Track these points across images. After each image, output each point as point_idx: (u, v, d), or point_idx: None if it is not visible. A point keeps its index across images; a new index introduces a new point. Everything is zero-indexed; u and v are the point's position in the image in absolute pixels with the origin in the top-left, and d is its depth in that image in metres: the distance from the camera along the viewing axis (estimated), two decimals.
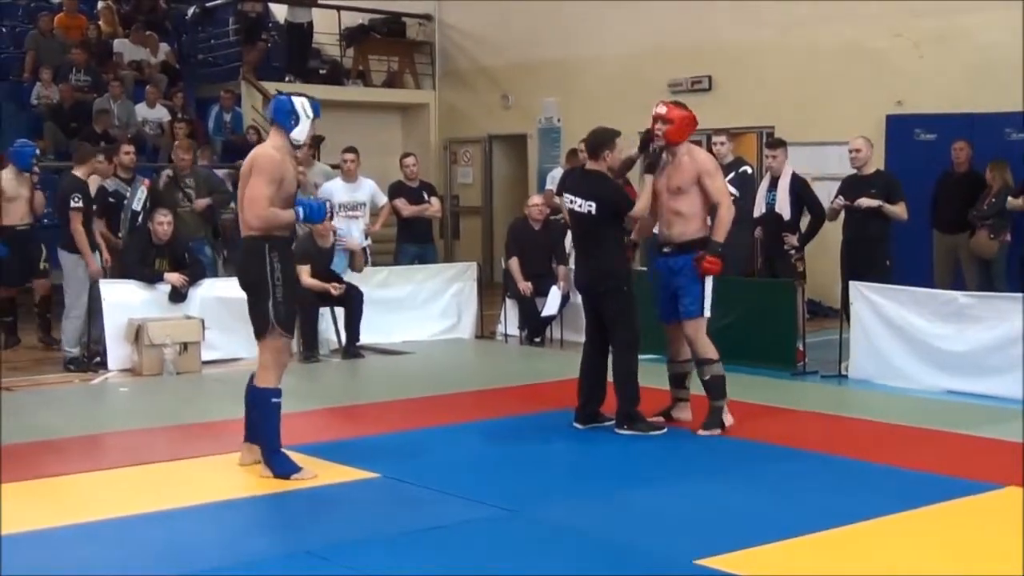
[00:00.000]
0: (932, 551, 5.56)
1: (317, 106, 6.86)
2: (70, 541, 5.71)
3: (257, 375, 6.75)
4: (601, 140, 7.94)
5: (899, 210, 10.27)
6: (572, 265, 9.71)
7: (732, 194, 10.99)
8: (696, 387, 8.11)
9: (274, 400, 6.69)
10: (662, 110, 7.85)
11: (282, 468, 6.63)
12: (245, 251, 6.79)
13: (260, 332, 6.70)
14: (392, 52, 19.89)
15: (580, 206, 7.86)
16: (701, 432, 7.76)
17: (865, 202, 10.20)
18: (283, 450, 6.71)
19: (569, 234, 11.04)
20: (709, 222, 7.91)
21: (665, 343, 8.25)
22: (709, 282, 7.80)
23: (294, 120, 6.71)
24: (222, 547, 5.66)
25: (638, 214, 7.96)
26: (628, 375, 7.85)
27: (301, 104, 6.77)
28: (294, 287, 6.79)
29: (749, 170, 11.19)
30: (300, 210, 6.74)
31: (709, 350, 7.87)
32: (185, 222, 11.53)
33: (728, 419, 7.86)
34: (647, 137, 7.94)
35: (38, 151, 11.69)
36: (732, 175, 11.16)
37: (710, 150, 15.31)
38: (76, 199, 10.62)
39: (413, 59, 19.77)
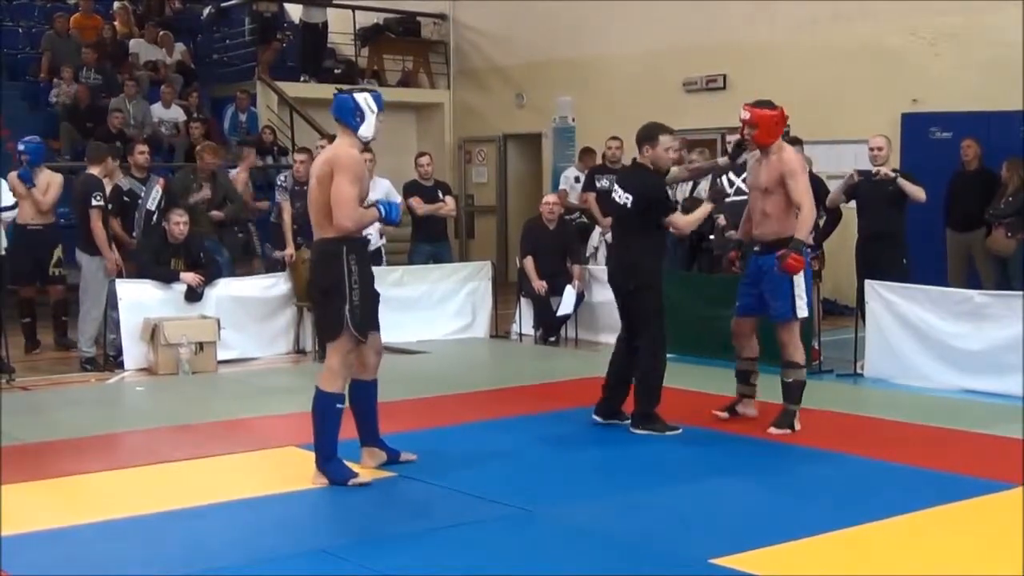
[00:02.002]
0: (948, 550, 5.55)
1: (380, 98, 6.67)
2: (89, 539, 5.73)
3: (323, 379, 6.54)
4: (644, 134, 7.84)
5: (917, 189, 10.21)
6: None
7: (745, 193, 11.04)
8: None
9: (338, 406, 6.52)
10: (745, 115, 7.83)
11: (339, 474, 6.52)
12: (321, 253, 6.56)
13: (332, 335, 6.52)
14: (407, 52, 19.91)
15: (620, 197, 7.87)
16: (772, 430, 7.74)
17: (884, 171, 10.18)
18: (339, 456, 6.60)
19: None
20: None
21: (732, 340, 8.25)
22: (800, 282, 7.73)
23: (359, 117, 6.55)
24: (238, 545, 5.67)
25: (681, 229, 8.09)
26: (649, 376, 7.82)
27: (364, 99, 6.60)
28: (370, 290, 6.58)
29: None
30: (382, 208, 6.60)
31: (798, 355, 7.86)
32: (195, 218, 11.47)
33: (797, 424, 7.83)
34: (738, 145, 8.10)
35: (23, 147, 11.56)
36: (746, 174, 11.15)
37: (724, 148, 15.36)
38: (97, 197, 10.62)
39: (428, 58, 19.79)
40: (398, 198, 12.56)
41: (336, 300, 6.44)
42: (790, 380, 7.87)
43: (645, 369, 7.82)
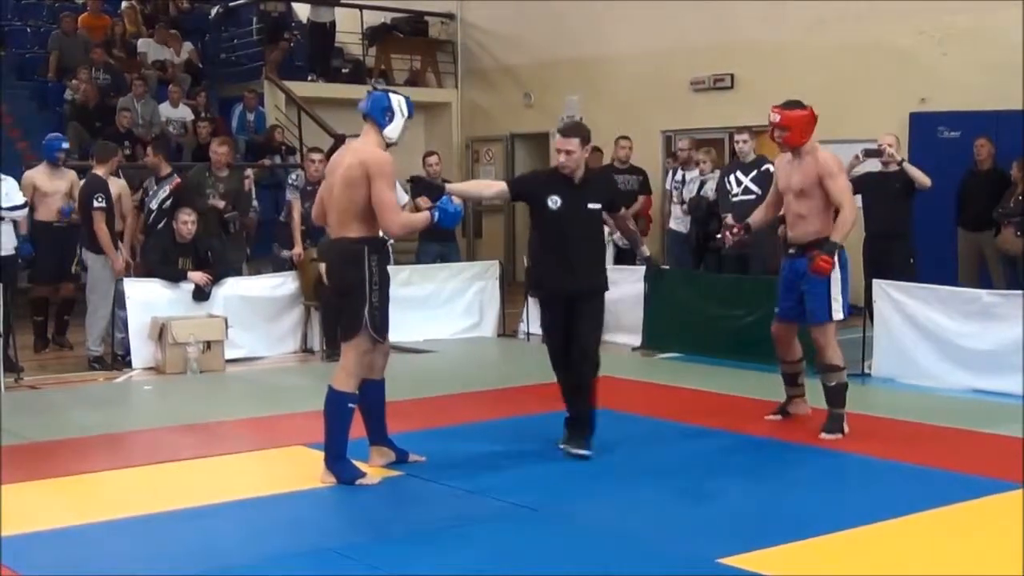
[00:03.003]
0: (956, 550, 5.54)
1: (412, 105, 6.69)
2: (97, 538, 5.74)
3: (336, 377, 6.54)
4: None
5: (922, 175, 10.13)
6: None
7: (754, 192, 11.04)
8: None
9: (350, 405, 6.51)
10: (776, 117, 7.74)
11: (348, 474, 6.51)
12: (342, 252, 6.52)
13: (350, 334, 6.50)
14: (414, 51, 19.90)
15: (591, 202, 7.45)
16: (824, 436, 7.60)
17: (889, 149, 10.13)
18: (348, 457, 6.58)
19: None
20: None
21: (773, 345, 8.19)
22: (837, 284, 7.64)
23: (389, 117, 6.53)
24: (245, 544, 5.68)
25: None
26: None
27: (399, 102, 6.58)
28: (388, 291, 6.59)
29: (772, 168, 11.11)
30: (437, 214, 6.57)
31: (836, 357, 7.74)
32: (206, 218, 11.49)
33: (847, 427, 7.71)
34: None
35: (66, 144, 11.67)
36: (755, 173, 11.16)
37: (732, 148, 15.35)
38: (99, 199, 10.65)
39: (435, 58, 19.78)
40: (405, 198, 12.57)
41: (356, 300, 6.43)
42: (832, 384, 7.75)
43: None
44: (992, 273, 11.82)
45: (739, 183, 11.28)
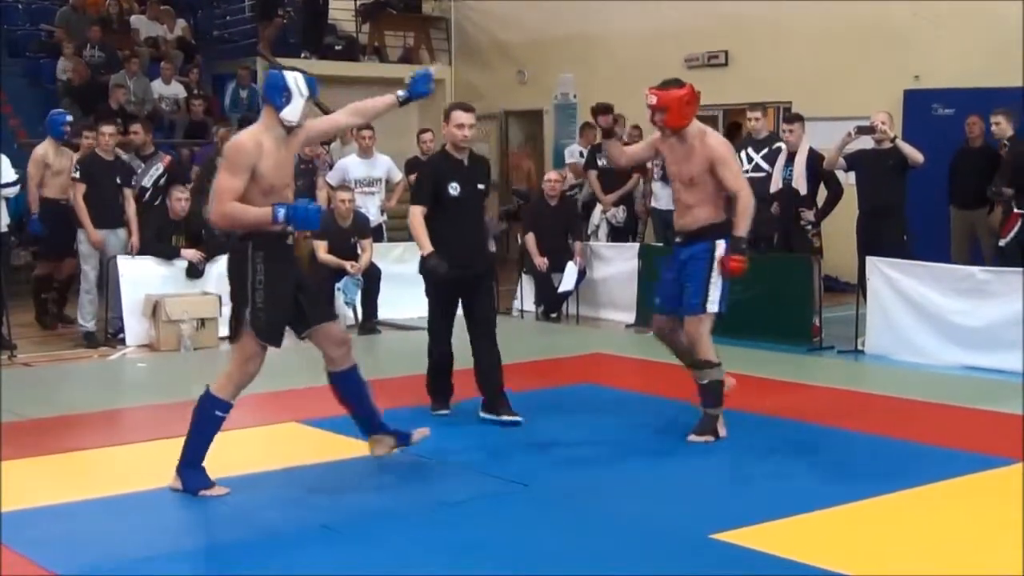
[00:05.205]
0: (948, 526, 5.58)
1: (313, 83, 6.12)
2: (91, 515, 5.76)
3: (217, 380, 6.06)
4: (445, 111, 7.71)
5: (915, 151, 10.11)
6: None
7: (764, 170, 10.99)
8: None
9: (218, 413, 6.01)
10: (652, 99, 7.04)
11: (194, 483, 5.99)
12: (231, 248, 6.16)
13: (233, 336, 6.12)
14: (408, 28, 19.86)
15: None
16: (692, 438, 7.07)
17: (882, 126, 10.12)
18: (203, 465, 6.08)
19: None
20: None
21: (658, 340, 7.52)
22: (717, 278, 7.02)
23: (285, 98, 5.95)
24: (240, 521, 5.69)
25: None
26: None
27: (295, 80, 6.00)
28: (281, 292, 5.98)
29: (783, 147, 11.05)
30: (281, 212, 5.82)
31: (710, 352, 7.10)
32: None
33: (722, 430, 7.15)
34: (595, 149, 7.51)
35: (69, 117, 11.64)
36: (766, 150, 11.10)
37: (732, 125, 15.32)
38: (76, 169, 10.68)
39: (429, 35, 19.74)
40: (399, 175, 12.56)
41: (238, 301, 6.00)
42: (705, 382, 7.13)
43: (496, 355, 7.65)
44: (984, 251, 11.82)
45: (750, 160, 11.23)
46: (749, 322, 10.17)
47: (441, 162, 7.68)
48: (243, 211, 5.84)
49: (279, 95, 5.96)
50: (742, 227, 6.99)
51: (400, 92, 6.54)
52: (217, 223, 6.19)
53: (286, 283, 6.02)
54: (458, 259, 7.40)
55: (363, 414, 6.48)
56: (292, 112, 5.97)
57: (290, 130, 6.03)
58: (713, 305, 7.03)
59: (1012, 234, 10.36)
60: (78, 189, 10.63)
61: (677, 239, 7.35)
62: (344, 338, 6.37)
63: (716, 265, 7.00)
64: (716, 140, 7.18)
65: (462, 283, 7.52)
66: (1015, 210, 10.49)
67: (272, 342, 6.01)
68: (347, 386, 6.37)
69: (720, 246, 7.02)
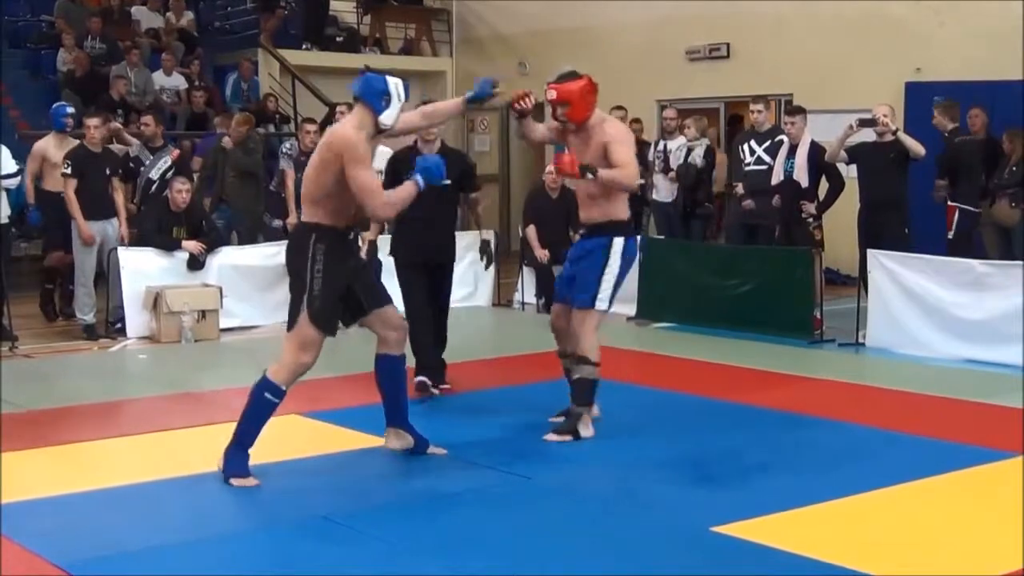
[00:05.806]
0: (949, 519, 5.58)
1: (408, 89, 6.22)
2: (92, 506, 5.75)
3: (273, 365, 6.17)
4: None
5: (916, 144, 10.12)
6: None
7: (767, 163, 11.00)
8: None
9: (269, 396, 6.07)
10: (551, 94, 6.99)
11: (235, 468, 6.04)
12: (291, 236, 6.40)
13: (290, 323, 6.14)
14: (409, 19, 19.81)
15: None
16: (551, 437, 6.90)
17: (884, 119, 10.11)
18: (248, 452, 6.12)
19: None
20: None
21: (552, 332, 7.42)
22: (611, 275, 6.89)
23: (386, 102, 6.04)
24: (241, 512, 5.71)
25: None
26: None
27: (395, 85, 6.07)
28: (339, 283, 6.09)
29: (786, 140, 11.03)
30: (420, 178, 6.08)
31: (592, 350, 6.90)
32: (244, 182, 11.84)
33: (586, 431, 6.93)
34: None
35: (71, 109, 11.62)
36: (768, 143, 11.11)
37: (732, 118, 15.29)
38: (66, 165, 10.64)
39: (430, 26, 19.70)
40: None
41: (297, 287, 6.10)
42: (576, 376, 6.95)
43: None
44: (986, 244, 11.81)
45: (752, 152, 11.24)
46: (750, 315, 10.21)
47: (407, 155, 7.99)
48: (398, 195, 6.14)
49: (379, 98, 6.07)
50: (606, 174, 6.71)
51: (468, 92, 6.80)
52: (388, 215, 6.38)
53: (343, 275, 6.14)
54: (422, 248, 8.14)
55: (394, 404, 6.53)
56: (389, 116, 6.11)
57: (380, 133, 6.16)
58: (603, 303, 6.93)
59: (955, 227, 10.46)
60: (69, 184, 10.60)
61: (581, 231, 7.28)
62: (401, 323, 6.52)
63: (614, 257, 6.91)
64: (615, 126, 7.06)
65: (427, 270, 8.19)
66: (949, 203, 10.56)
67: (327, 330, 6.12)
68: (390, 372, 6.45)
69: (617, 243, 6.94)
